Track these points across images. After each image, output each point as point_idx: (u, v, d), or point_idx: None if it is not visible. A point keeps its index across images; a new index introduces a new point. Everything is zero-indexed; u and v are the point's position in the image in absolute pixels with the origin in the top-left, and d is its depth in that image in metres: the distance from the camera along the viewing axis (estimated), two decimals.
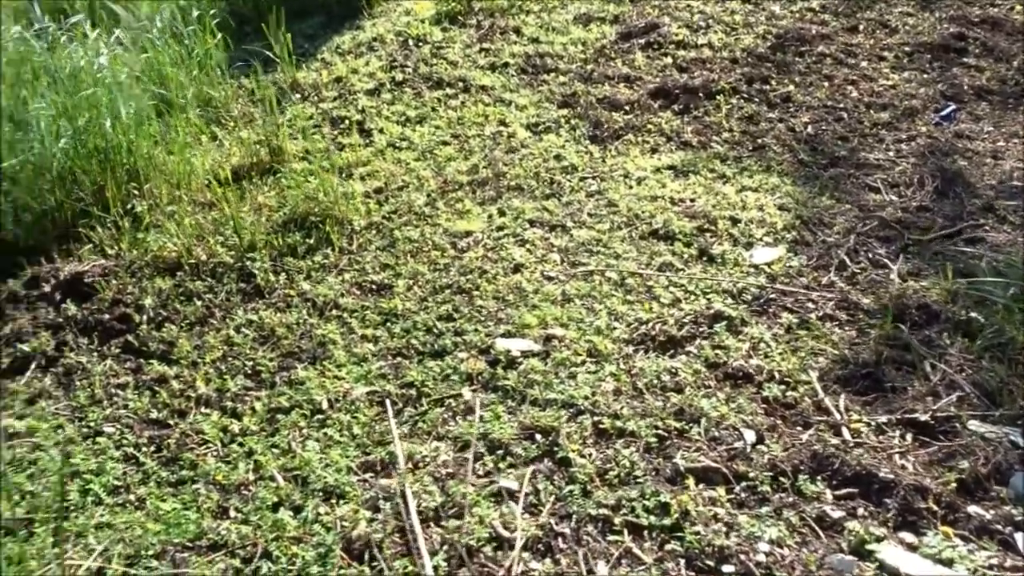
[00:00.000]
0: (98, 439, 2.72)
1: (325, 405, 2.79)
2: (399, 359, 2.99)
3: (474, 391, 2.80)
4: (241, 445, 2.66)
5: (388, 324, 3.18)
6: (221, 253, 3.61)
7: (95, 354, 3.15)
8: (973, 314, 2.94)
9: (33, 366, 3.11)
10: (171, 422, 2.79)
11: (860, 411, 2.61)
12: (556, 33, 5.41)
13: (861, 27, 5.23)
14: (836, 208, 3.63)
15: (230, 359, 3.07)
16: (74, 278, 3.50)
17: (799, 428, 2.57)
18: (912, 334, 2.89)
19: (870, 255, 3.35)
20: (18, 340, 3.23)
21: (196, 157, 4.27)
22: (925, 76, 4.73)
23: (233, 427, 2.74)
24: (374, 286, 3.42)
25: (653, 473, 2.42)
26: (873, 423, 2.55)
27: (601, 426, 2.59)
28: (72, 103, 3.89)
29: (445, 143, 4.39)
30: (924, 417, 2.55)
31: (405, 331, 3.13)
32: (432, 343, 3.04)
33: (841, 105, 4.46)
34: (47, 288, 3.49)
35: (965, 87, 4.58)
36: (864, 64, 4.84)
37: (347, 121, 4.70)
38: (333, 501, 2.40)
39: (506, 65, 5.08)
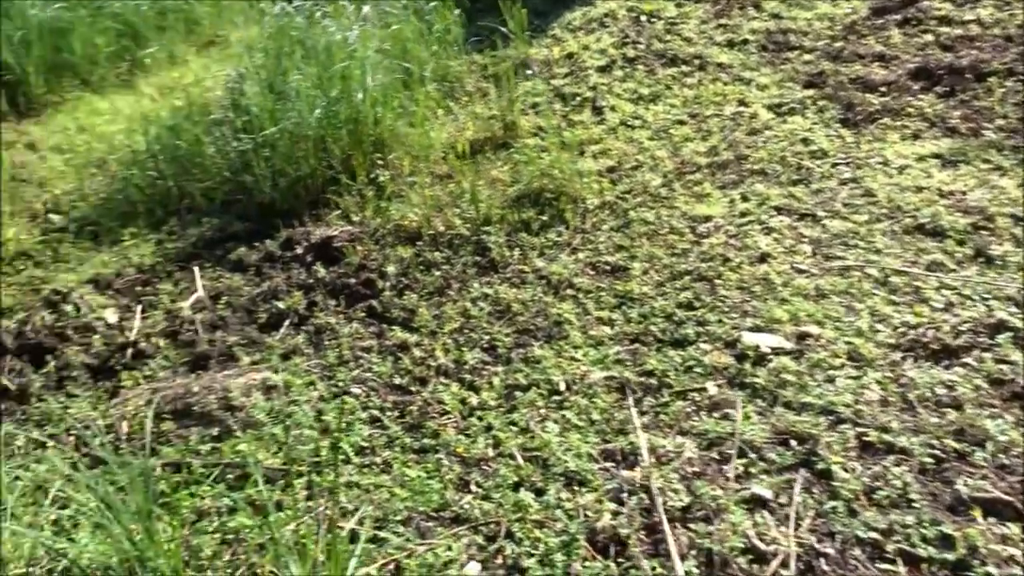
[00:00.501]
0: (346, 399, 2.77)
1: (562, 386, 2.70)
2: (637, 345, 2.86)
3: (719, 386, 2.61)
4: (480, 419, 2.62)
5: (624, 308, 3.05)
6: (458, 225, 3.61)
7: (342, 316, 3.23)
8: None
9: (287, 323, 3.24)
10: (413, 389, 2.81)
11: None
12: (800, 8, 5.02)
13: None
14: None
15: (467, 331, 3.05)
16: (324, 242, 3.62)
17: None
18: None
19: None
20: (274, 297, 3.37)
21: (434, 130, 4.31)
22: None
23: (471, 400, 2.71)
24: (608, 267, 3.29)
25: (930, 498, 2.14)
26: None
27: (866, 439, 2.33)
28: (326, 75, 4.02)
29: (681, 123, 4.18)
30: None
31: (642, 316, 2.98)
32: (672, 331, 2.87)
33: None
34: (299, 250, 3.63)
35: None
36: None
37: (578, 98, 4.59)
38: (575, 487, 2.31)
39: (745, 42, 4.77)
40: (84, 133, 4.71)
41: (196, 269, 3.59)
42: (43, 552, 2.23)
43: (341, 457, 2.52)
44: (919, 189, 3.36)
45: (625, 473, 2.33)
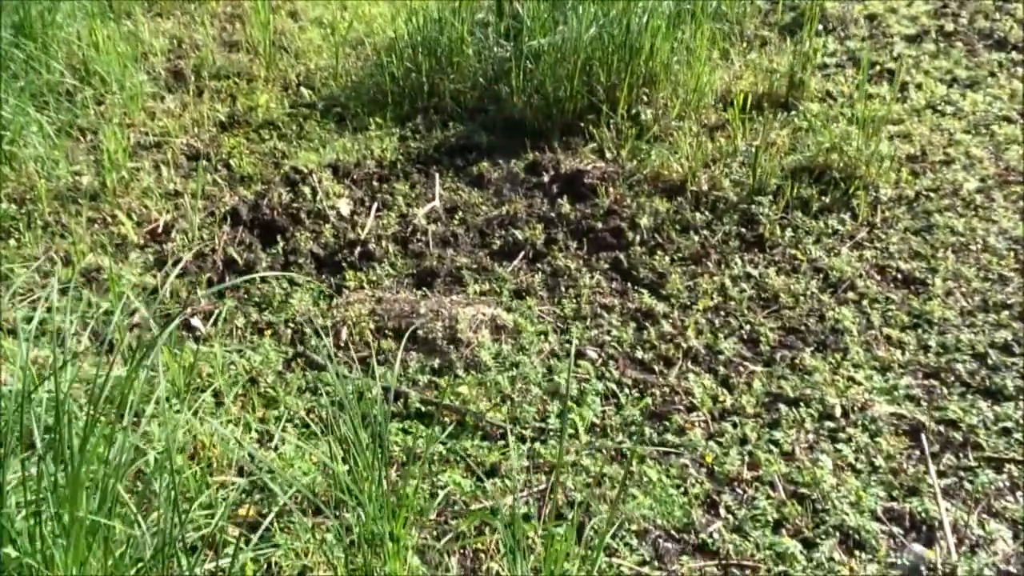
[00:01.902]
0: (580, 362, 2.39)
1: (838, 412, 2.20)
2: (934, 383, 2.29)
3: None
4: (735, 426, 2.17)
5: (919, 331, 2.48)
6: (726, 188, 3.10)
7: (583, 263, 2.83)
8: None
9: (520, 255, 2.89)
10: (656, 368, 2.39)
11: None
12: None
13: None
14: None
15: (724, 314, 2.58)
16: (573, 175, 3.22)
17: None
18: None
19: None
20: (511, 224, 3.02)
21: (707, 74, 3.77)
22: None
23: (725, 400, 2.26)
24: (901, 276, 2.71)
25: None
26: None
27: None
28: None
29: (1006, 120, 3.43)
30: None
31: (943, 348, 2.40)
32: (984, 377, 2.29)
33: None
34: (545, 178, 3.25)
35: None
36: None
37: (878, 67, 3.89)
38: (853, 549, 1.83)
39: None
40: (347, 11, 4.49)
41: (436, 176, 3.29)
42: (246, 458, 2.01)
43: (570, 430, 2.15)
44: None
45: (918, 549, 1.82)
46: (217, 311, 2.57)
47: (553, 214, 3.06)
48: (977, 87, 3.68)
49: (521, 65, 3.60)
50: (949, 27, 4.12)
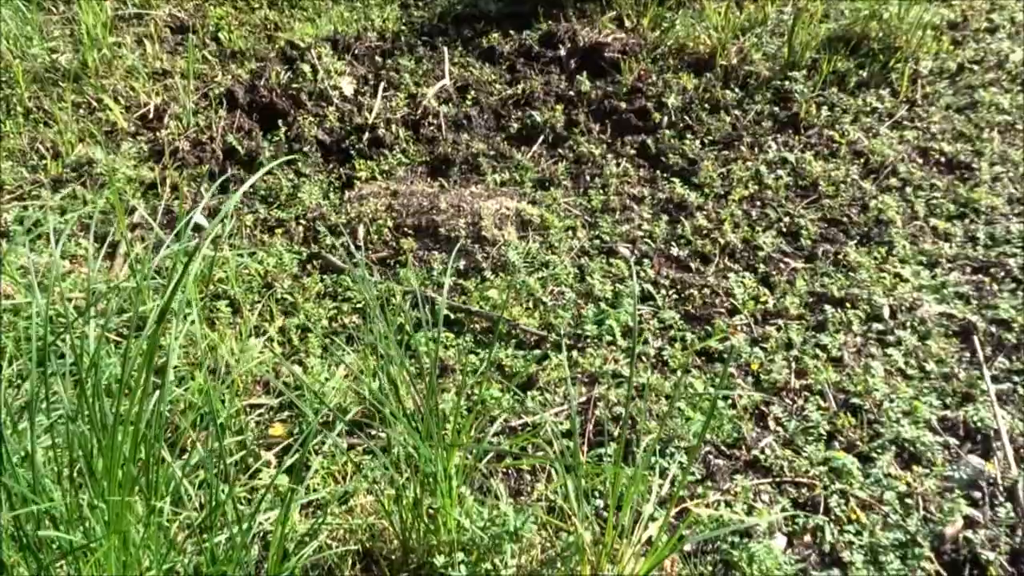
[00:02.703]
0: (612, 260, 2.22)
1: (886, 312, 2.06)
2: (984, 278, 2.15)
3: None
4: (779, 329, 2.03)
5: (967, 221, 2.31)
6: (757, 61, 2.84)
7: (607, 148, 2.61)
8: None
9: (540, 140, 2.65)
10: (693, 266, 2.22)
11: None
12: None
13: None
14: None
15: (760, 204, 2.40)
16: (592, 48, 2.92)
17: None
18: None
19: None
20: (528, 104, 2.77)
21: None
22: None
23: (767, 300, 2.11)
24: (945, 159, 2.51)
25: None
26: None
27: None
28: None
29: None
30: None
31: (992, 239, 2.25)
32: None
33: None
34: (562, 51, 2.95)
35: None
36: None
37: None
38: (910, 463, 1.73)
39: None
40: None
41: (445, 50, 2.98)
42: (271, 370, 1.86)
43: (607, 336, 2.01)
44: None
45: (975, 461, 1.73)
46: (223, 208, 2.35)
47: (572, 92, 2.79)
48: None
49: None
50: None
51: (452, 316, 2.06)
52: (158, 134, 2.60)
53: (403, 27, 3.10)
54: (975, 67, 2.80)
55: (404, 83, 2.87)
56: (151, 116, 2.68)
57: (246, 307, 2.03)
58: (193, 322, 1.85)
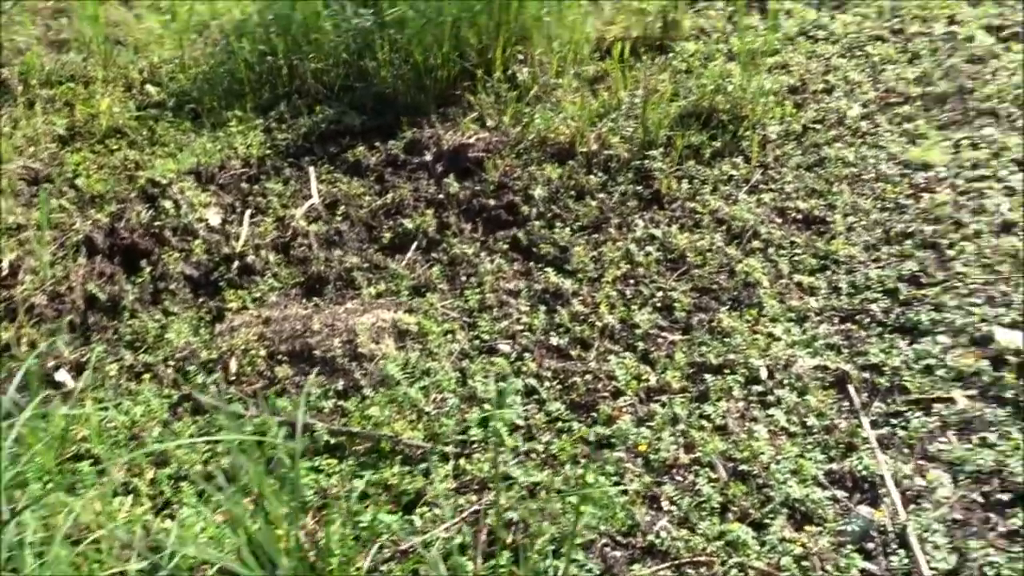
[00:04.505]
0: (493, 359, 2.22)
1: (763, 373, 2.11)
2: (852, 327, 2.24)
3: (970, 398, 1.99)
4: (663, 406, 2.06)
5: (828, 273, 2.42)
6: (615, 145, 2.95)
7: (480, 245, 2.64)
8: None
9: (414, 247, 2.67)
10: (573, 353, 2.24)
11: None
12: None
13: None
14: None
15: (633, 282, 2.45)
16: (456, 150, 3.00)
17: None
18: None
19: None
20: (399, 213, 2.79)
21: (578, 22, 3.58)
22: None
23: (649, 378, 2.14)
24: (801, 216, 2.64)
25: None
26: None
27: None
28: None
29: (879, 39, 3.39)
30: None
31: (854, 288, 2.35)
32: (897, 314, 2.24)
33: None
34: (428, 157, 3.01)
35: None
36: None
37: None
38: (802, 524, 1.74)
39: None
40: None
41: (311, 169, 3.01)
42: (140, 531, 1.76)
43: (493, 438, 1.98)
44: None
45: (865, 511, 1.76)
46: (85, 359, 2.26)
47: (441, 195, 2.84)
48: (845, 7, 3.64)
49: (385, 35, 3.33)
50: None
51: (333, 440, 2.00)
52: (12, 292, 2.51)
53: (268, 151, 3.12)
54: (818, 126, 2.98)
55: (272, 207, 2.86)
56: (5, 274, 2.59)
57: (112, 464, 1.93)
58: (51, 491, 1.75)
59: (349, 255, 2.65)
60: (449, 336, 2.31)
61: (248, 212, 2.82)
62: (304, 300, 2.51)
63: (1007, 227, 2.44)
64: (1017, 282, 2.27)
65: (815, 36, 3.49)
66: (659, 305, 2.37)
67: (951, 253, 2.39)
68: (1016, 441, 1.87)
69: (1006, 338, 2.09)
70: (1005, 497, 1.77)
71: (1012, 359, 2.05)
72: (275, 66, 3.45)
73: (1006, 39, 3.28)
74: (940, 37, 3.32)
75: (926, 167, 2.72)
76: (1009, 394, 1.98)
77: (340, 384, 2.16)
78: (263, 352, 2.27)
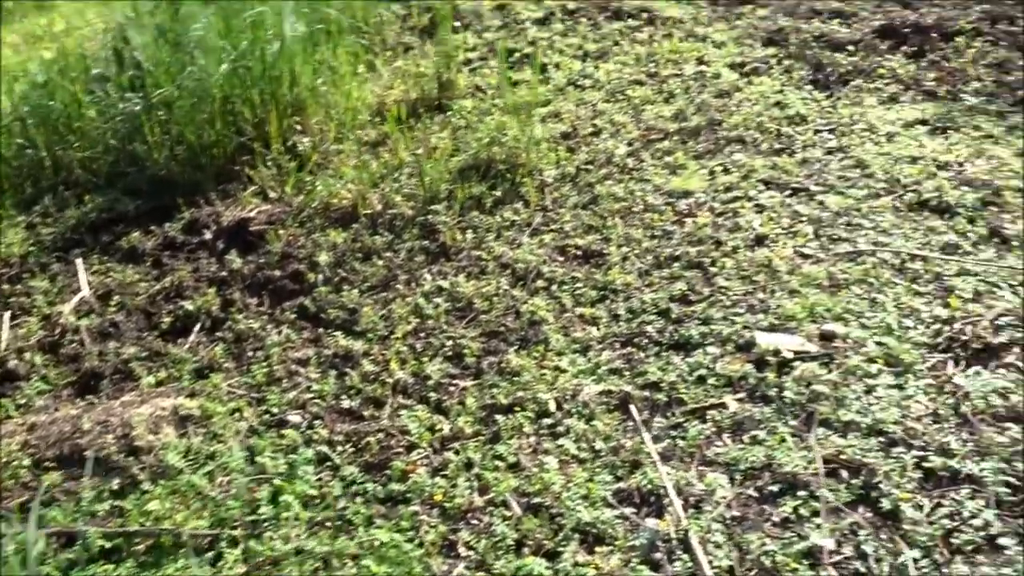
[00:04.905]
0: (283, 432, 2.15)
1: (552, 406, 2.17)
2: (631, 349, 2.35)
3: (740, 401, 2.13)
4: (457, 453, 2.06)
5: (608, 302, 2.53)
6: (399, 203, 2.99)
7: (267, 318, 2.58)
8: None
9: (197, 328, 2.57)
10: (366, 414, 2.21)
11: None
12: None
13: None
14: None
15: (424, 335, 2.47)
16: (237, 225, 2.94)
17: None
18: None
19: None
20: (179, 296, 2.69)
21: (357, 89, 3.64)
22: None
23: (443, 427, 2.14)
24: (580, 252, 2.76)
25: (1017, 540, 1.73)
26: None
27: (927, 464, 1.90)
28: (235, 24, 3.28)
29: (638, 83, 3.66)
30: None
31: (631, 313, 2.47)
32: (671, 331, 2.37)
33: None
34: (208, 235, 2.93)
35: None
36: None
37: (517, 54, 3.99)
38: (594, 546, 1.78)
39: None
40: None
41: (79, 261, 2.84)
42: None
43: (285, 513, 1.91)
44: (914, 160, 2.96)
45: (651, 523, 1.83)
46: None
47: (224, 273, 2.76)
48: (607, 57, 3.90)
49: (154, 117, 3.24)
50: (571, 5, 4.33)
51: (109, 544, 1.86)
52: None
53: (31, 248, 2.93)
54: (590, 167, 3.15)
55: (37, 305, 2.68)
56: None
57: None
58: None
59: (126, 345, 2.51)
60: (236, 415, 2.22)
61: (8, 315, 2.62)
62: (77, 399, 2.35)
63: (760, 240, 2.66)
64: (772, 289, 2.46)
65: (582, 85, 3.71)
66: (450, 354, 2.39)
67: (714, 270, 2.57)
68: (781, 434, 2.01)
69: (766, 341, 2.26)
70: (776, 488, 1.89)
71: (772, 360, 2.21)
72: (36, 159, 3.27)
73: (747, 74, 3.62)
74: (691, 77, 3.61)
75: (687, 194, 2.92)
76: (772, 392, 2.13)
77: (116, 483, 2.02)
78: (27, 461, 2.08)
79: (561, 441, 2.06)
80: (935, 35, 3.74)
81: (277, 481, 1.99)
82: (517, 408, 2.17)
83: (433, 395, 2.25)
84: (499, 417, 2.15)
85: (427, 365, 2.35)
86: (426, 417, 2.17)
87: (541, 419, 2.14)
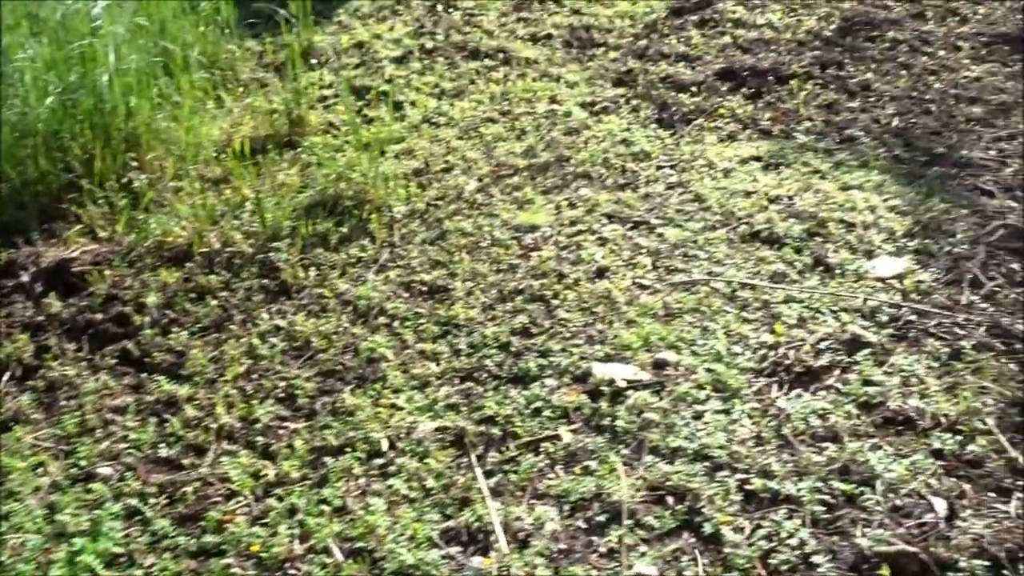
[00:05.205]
0: (91, 485, 2.00)
1: (385, 445, 2.11)
2: (470, 384, 2.32)
3: (574, 432, 2.13)
4: (280, 499, 1.96)
5: (450, 337, 2.50)
6: (238, 241, 2.89)
7: (85, 365, 2.42)
8: None
9: (6, 378, 2.39)
10: (185, 462, 2.09)
11: None
12: (599, 4, 4.70)
13: (928, 14, 4.58)
14: (953, 213, 2.99)
15: (256, 377, 2.36)
16: (58, 266, 2.76)
17: (994, 495, 1.94)
18: None
19: (1003, 269, 2.73)
20: None
21: (204, 125, 3.52)
22: (1009, 69, 4.10)
23: (267, 473, 2.04)
24: (426, 288, 2.72)
25: (830, 557, 1.78)
26: None
27: (749, 487, 1.94)
28: (63, 55, 3.12)
29: (491, 120, 3.69)
30: None
31: (472, 347, 2.44)
32: (510, 365, 2.36)
33: (927, 97, 3.82)
34: (25, 277, 2.74)
35: None
36: (941, 53, 4.20)
37: (373, 91, 3.96)
38: None
39: (549, 37, 4.37)
40: None
41: None
42: None
43: (84, 574, 1.76)
44: (748, 194, 3.08)
45: (476, 561, 1.78)
46: None
47: (41, 317, 2.58)
48: (462, 95, 3.92)
49: None
50: (429, 44, 4.35)
51: None
52: None
53: None
54: (440, 203, 3.13)
55: None
56: None
57: None
58: None
59: None
60: (38, 470, 2.05)
61: None
62: None
63: (601, 272, 2.70)
64: (610, 320, 2.49)
65: (437, 122, 3.71)
66: (282, 396, 2.30)
67: (556, 302, 2.58)
68: (611, 464, 2.01)
69: (601, 371, 2.27)
70: (603, 518, 1.88)
71: (606, 390, 2.22)
72: None
73: (597, 113, 3.71)
74: (542, 115, 3.68)
75: (533, 228, 2.94)
76: (606, 422, 2.14)
77: None
78: None
79: (391, 481, 2.00)
80: (771, 78, 3.94)
81: (78, 540, 1.83)
82: (348, 449, 2.09)
83: (260, 439, 2.15)
84: (328, 459, 2.06)
85: (257, 408, 2.24)
86: (250, 463, 2.07)
87: (372, 459, 2.07)
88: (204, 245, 2.85)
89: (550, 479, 2.00)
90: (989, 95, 3.86)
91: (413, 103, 3.88)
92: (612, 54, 4.23)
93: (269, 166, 3.33)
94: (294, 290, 2.72)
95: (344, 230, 2.98)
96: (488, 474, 2.02)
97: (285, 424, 2.20)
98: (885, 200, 3.04)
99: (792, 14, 4.55)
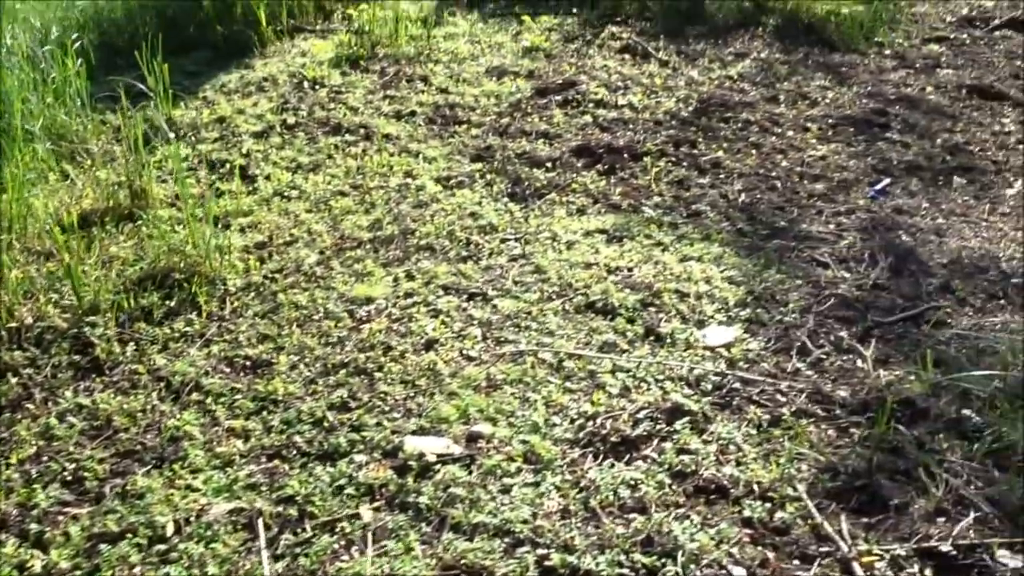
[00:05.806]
0: None
1: (170, 530, 1.98)
2: (276, 463, 2.22)
3: (376, 510, 2.04)
4: None
5: (264, 413, 2.40)
6: (52, 315, 2.75)
7: None
8: (964, 411, 2.42)
9: None
10: None
11: (866, 537, 2.00)
12: (467, 84, 4.81)
13: (781, 97, 4.85)
14: (787, 284, 3.09)
15: (46, 459, 2.21)
16: None
17: (798, 562, 1.94)
18: (900, 436, 2.33)
19: (832, 337, 2.81)
20: None
21: (38, 197, 3.40)
22: (852, 149, 4.35)
23: (34, 565, 1.88)
24: (249, 362, 2.63)
25: None
26: (887, 555, 1.95)
27: (548, 563, 1.89)
28: None
29: (342, 194, 3.67)
30: (945, 547, 1.97)
31: (286, 423, 2.35)
32: (321, 441, 2.27)
33: (773, 174, 4.00)
34: None
35: (894, 161, 4.21)
36: (790, 134, 4.44)
37: (228, 165, 3.92)
38: None
39: (413, 114, 4.43)
40: None
41: None
42: None
43: None
44: (588, 265, 3.12)
45: None
46: None
47: None
48: (318, 169, 3.90)
49: None
50: (291, 120, 4.35)
51: None
52: None
53: None
54: (278, 276, 3.07)
55: None
56: None
57: None
58: None
59: None
60: None
61: None
62: None
63: (429, 345, 2.66)
64: (431, 392, 2.44)
65: (289, 196, 3.67)
66: (69, 479, 2.15)
67: (379, 375, 2.52)
68: (410, 542, 1.93)
69: (412, 445, 2.21)
70: None
71: (415, 464, 2.15)
72: None
73: (452, 187, 3.74)
74: (394, 189, 3.68)
75: (369, 301, 2.90)
76: (410, 499, 2.06)
77: None
78: None
79: (168, 569, 1.87)
80: (626, 155, 4.07)
81: None
82: (128, 535, 1.96)
83: (35, 527, 1.99)
84: (104, 547, 1.92)
85: (39, 493, 2.09)
86: (16, 553, 1.90)
87: (154, 545, 1.94)
88: (14, 320, 2.70)
89: (343, 561, 1.91)
90: (832, 172, 4.07)
91: (268, 176, 3.84)
92: (474, 131, 4.31)
93: (102, 238, 3.22)
94: (107, 367, 2.59)
95: (171, 304, 2.88)
96: (277, 557, 1.91)
97: (66, 509, 2.05)
98: (722, 271, 3.12)
99: (652, 96, 4.74)
